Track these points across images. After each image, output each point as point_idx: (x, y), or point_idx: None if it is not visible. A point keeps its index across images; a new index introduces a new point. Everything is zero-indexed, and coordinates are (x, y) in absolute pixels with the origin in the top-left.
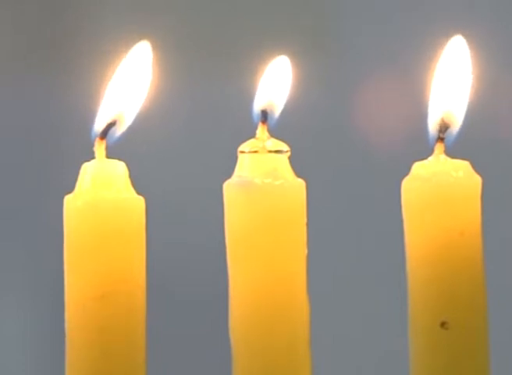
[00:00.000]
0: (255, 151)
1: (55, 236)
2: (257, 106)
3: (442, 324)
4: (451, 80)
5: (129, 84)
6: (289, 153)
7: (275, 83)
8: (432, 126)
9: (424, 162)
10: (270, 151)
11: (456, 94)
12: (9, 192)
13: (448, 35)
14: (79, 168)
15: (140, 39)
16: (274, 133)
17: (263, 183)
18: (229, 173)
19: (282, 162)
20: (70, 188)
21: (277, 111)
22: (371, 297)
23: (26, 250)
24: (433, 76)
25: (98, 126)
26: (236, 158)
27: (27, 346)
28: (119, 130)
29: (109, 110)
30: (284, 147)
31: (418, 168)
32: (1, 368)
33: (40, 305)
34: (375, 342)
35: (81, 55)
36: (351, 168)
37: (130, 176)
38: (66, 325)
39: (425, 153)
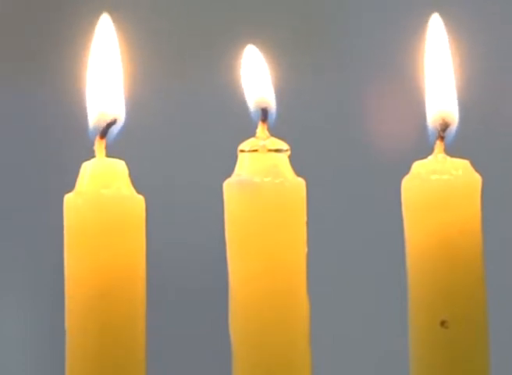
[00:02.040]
0: (255, 150)
1: (55, 235)
2: (256, 105)
3: (442, 323)
4: (443, 78)
5: (110, 79)
6: (289, 152)
7: (272, 81)
8: (432, 125)
9: (424, 160)
10: (270, 150)
11: (451, 92)
12: (9, 192)
13: (447, 34)
14: (79, 167)
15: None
16: (274, 131)
17: (263, 182)
18: (229, 172)
19: (282, 161)
20: (70, 187)
21: (273, 108)
22: (371, 296)
23: (26, 250)
24: (424, 71)
25: (95, 124)
26: (236, 157)
27: (27, 346)
28: (117, 127)
29: (102, 106)
30: (284, 146)
31: (418, 167)
32: (1, 368)
33: (40, 305)
34: (374, 341)
35: (80, 53)
36: (351, 167)
37: (130, 174)
38: (66, 322)
39: (425, 152)
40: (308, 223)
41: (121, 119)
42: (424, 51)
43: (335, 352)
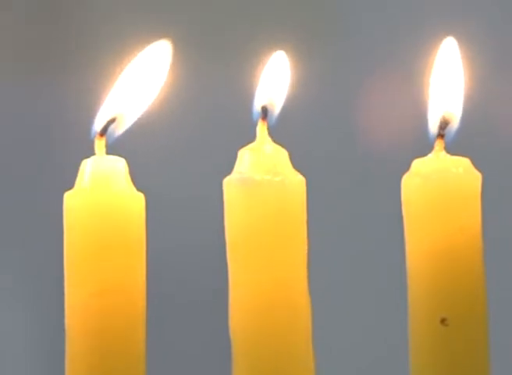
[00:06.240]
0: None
1: (55, 233)
2: (258, 103)
3: (442, 321)
4: (448, 77)
5: (135, 83)
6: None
7: (275, 80)
8: (432, 123)
9: (425, 158)
10: None
11: (454, 91)
12: (9, 190)
13: (447, 33)
14: (79, 164)
15: (151, 39)
16: (274, 130)
17: (263, 180)
18: (229, 170)
19: (283, 159)
20: (70, 185)
21: (277, 108)
22: (371, 294)
23: (25, 249)
24: (431, 73)
25: (98, 123)
26: (236, 155)
27: (27, 345)
28: (119, 129)
29: (111, 108)
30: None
31: (418, 164)
32: (2, 367)
33: (40, 305)
34: (374, 340)
35: (82, 52)
36: (351, 164)
37: (130, 172)
38: (66, 322)
39: (425, 150)
40: (308, 221)
41: (122, 118)
42: (433, 52)
43: (335, 351)
